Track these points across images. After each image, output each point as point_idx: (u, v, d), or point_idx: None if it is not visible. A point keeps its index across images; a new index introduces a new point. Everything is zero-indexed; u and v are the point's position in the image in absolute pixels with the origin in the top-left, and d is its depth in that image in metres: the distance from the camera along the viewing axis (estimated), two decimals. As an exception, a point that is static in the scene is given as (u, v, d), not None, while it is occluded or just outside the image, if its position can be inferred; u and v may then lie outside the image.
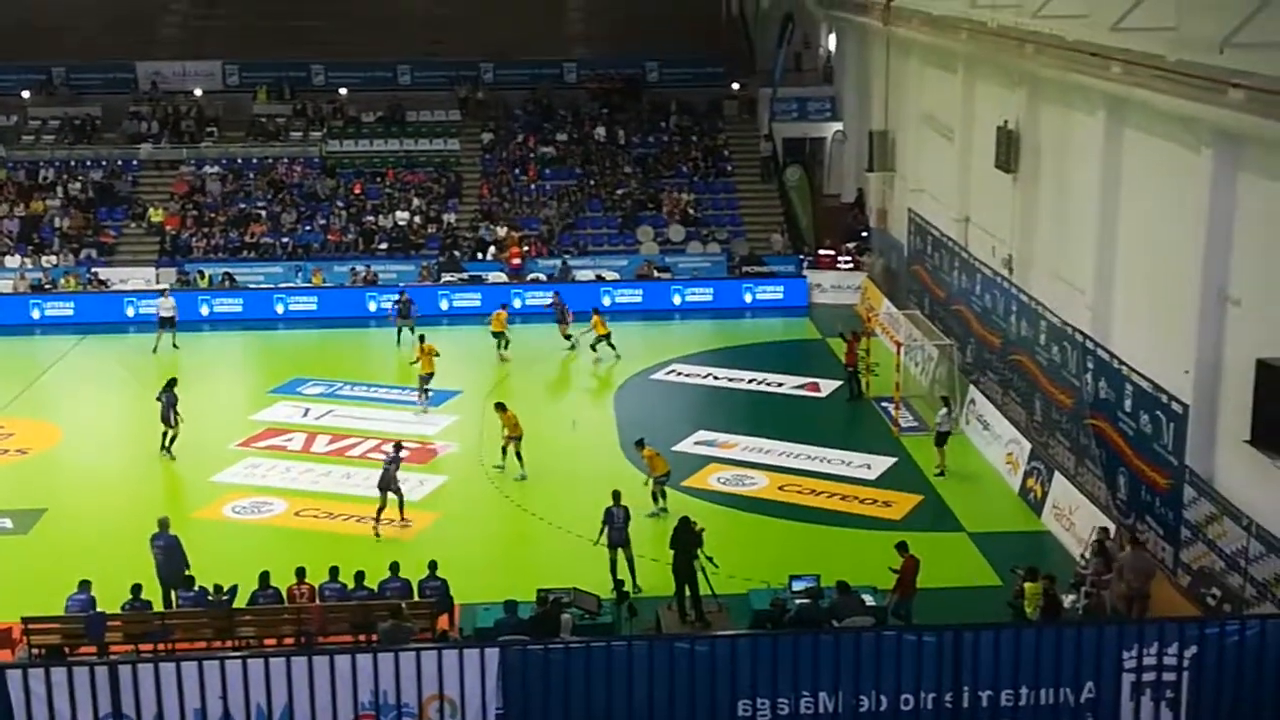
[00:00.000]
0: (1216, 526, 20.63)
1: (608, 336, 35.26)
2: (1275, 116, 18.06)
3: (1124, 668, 14.91)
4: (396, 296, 37.79)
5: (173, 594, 21.11)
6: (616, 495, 22.62)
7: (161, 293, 38.01)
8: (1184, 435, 21.48)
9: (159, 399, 28.85)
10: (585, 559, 23.47)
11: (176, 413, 28.77)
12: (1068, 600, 20.53)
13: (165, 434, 28.77)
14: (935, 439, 27.57)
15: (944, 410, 27.66)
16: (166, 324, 36.79)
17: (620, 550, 22.13)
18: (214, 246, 42.83)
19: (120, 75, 48.46)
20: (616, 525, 22.20)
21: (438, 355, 32.02)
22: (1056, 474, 25.26)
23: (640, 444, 26.01)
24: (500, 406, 27.93)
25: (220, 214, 43.96)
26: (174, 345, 36.76)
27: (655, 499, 25.46)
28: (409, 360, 33.33)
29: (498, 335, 35.62)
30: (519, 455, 27.58)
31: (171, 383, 29.39)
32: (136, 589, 20.33)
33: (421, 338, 32.33)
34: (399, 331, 36.96)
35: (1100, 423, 24.55)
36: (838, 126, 47.34)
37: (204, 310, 39.80)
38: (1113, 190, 24.86)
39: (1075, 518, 23.93)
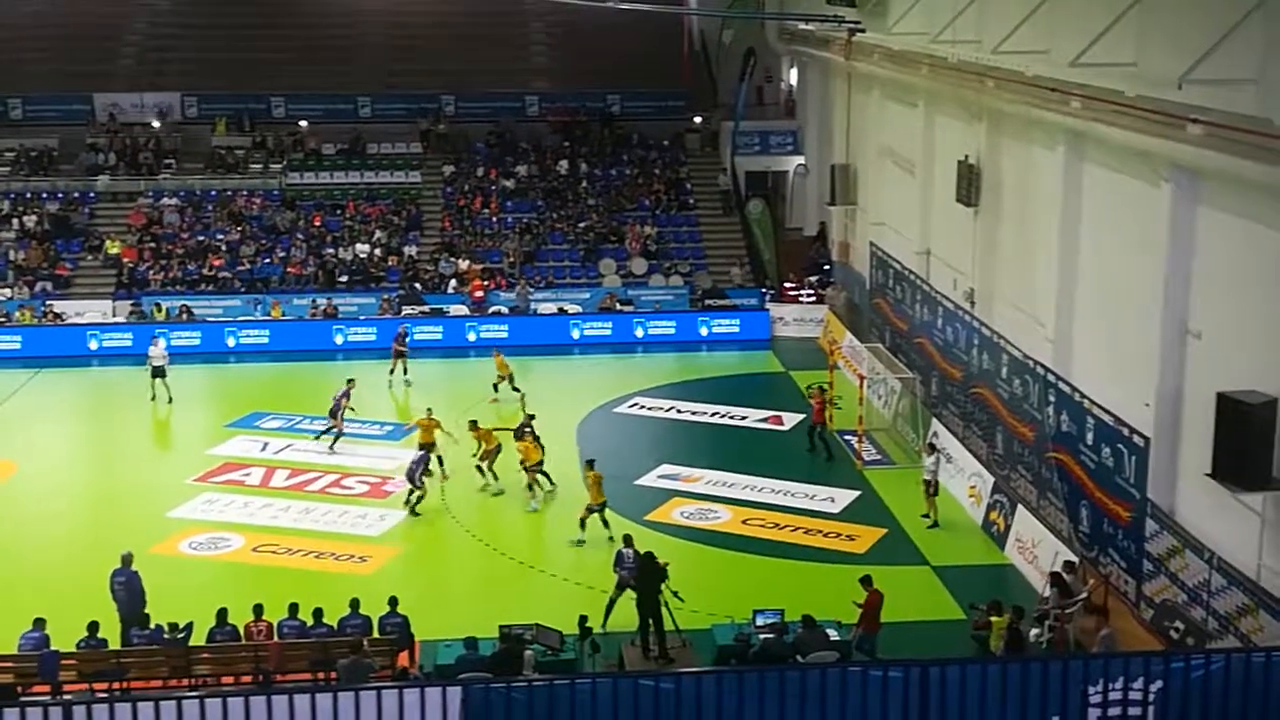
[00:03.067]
0: (1178, 559, 20.67)
1: (510, 377, 34.40)
2: (1233, 151, 18.23)
3: (1089, 702, 14.84)
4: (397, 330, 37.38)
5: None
6: (628, 539, 22.55)
7: (153, 340, 35.87)
8: (1145, 468, 21.55)
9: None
10: (548, 595, 23.32)
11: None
12: (1032, 634, 20.51)
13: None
14: (925, 488, 26.72)
15: (931, 457, 26.89)
16: (158, 373, 34.92)
17: (628, 590, 21.72)
18: (172, 279, 42.46)
19: (77, 106, 48.00)
20: (626, 565, 22.01)
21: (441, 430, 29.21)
22: (1019, 507, 25.28)
23: (590, 464, 26.12)
24: (473, 425, 28.16)
25: (178, 246, 43.62)
26: (169, 400, 34.85)
27: (581, 525, 25.51)
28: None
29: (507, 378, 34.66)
30: (492, 470, 28.06)
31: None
32: (93, 626, 19.99)
33: (429, 411, 29.71)
34: (394, 368, 36.42)
35: (1062, 456, 24.60)
36: (800, 160, 47.56)
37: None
38: (1073, 224, 25.01)
39: (1038, 550, 23.94)
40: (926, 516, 26.74)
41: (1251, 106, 17.99)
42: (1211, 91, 18.64)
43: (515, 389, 34.40)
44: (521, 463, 27.69)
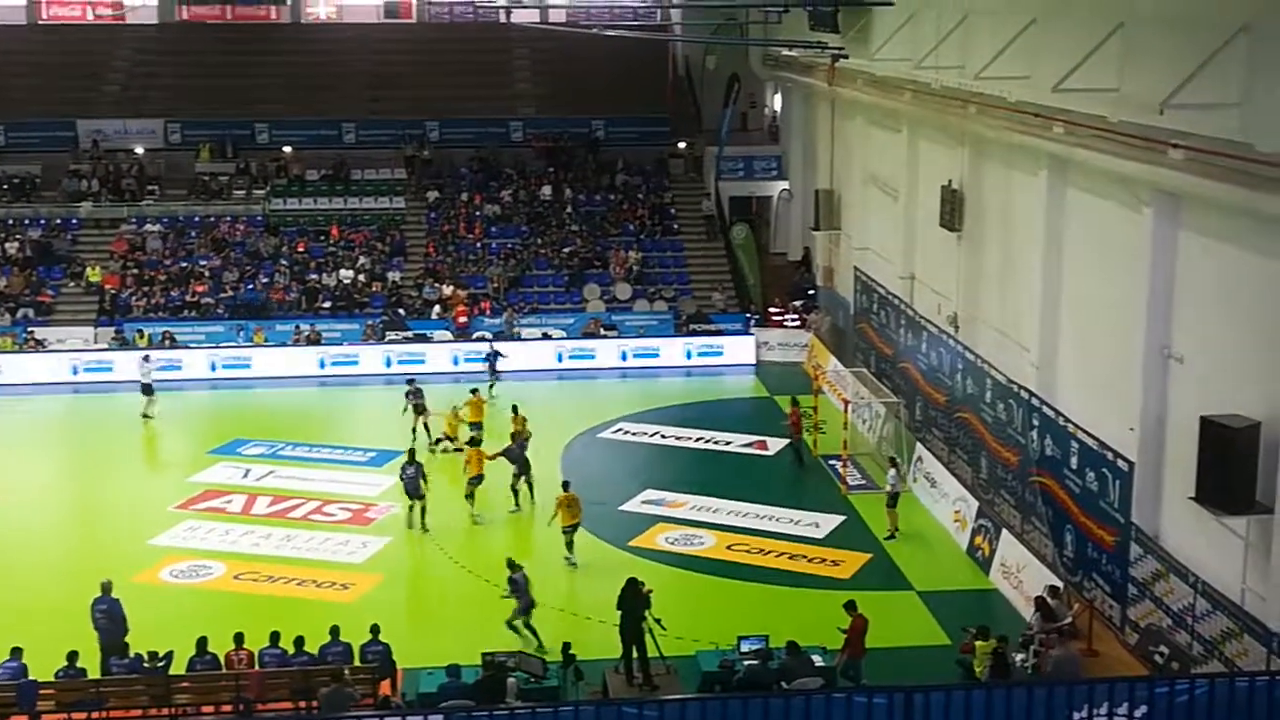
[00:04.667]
0: (1163, 584, 20.65)
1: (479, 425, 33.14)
2: (1214, 176, 18.29)
3: (1075, 728, 14.79)
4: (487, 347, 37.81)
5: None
6: (510, 563, 22.69)
7: (145, 358, 36.52)
8: (1130, 492, 21.56)
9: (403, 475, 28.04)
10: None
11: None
12: (1017, 659, 20.44)
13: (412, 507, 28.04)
14: (887, 500, 27.35)
15: (892, 471, 27.52)
16: (148, 390, 35.57)
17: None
18: (154, 305, 42.31)
19: (60, 133, 47.91)
20: (518, 587, 22.30)
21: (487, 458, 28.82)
22: (1004, 532, 25.24)
23: (565, 485, 26.29)
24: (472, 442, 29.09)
25: (161, 272, 43.48)
26: (145, 414, 35.32)
27: (569, 547, 25.85)
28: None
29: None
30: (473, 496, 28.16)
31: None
32: (73, 656, 19.85)
33: (474, 441, 30.27)
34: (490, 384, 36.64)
35: (1046, 480, 24.59)
36: (784, 185, 47.65)
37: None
38: (1056, 248, 25.05)
39: (1023, 575, 23.89)
40: (890, 537, 26.96)
41: (1233, 131, 18.05)
42: (1193, 116, 18.70)
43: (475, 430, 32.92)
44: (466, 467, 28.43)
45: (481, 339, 39.79)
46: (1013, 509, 26.22)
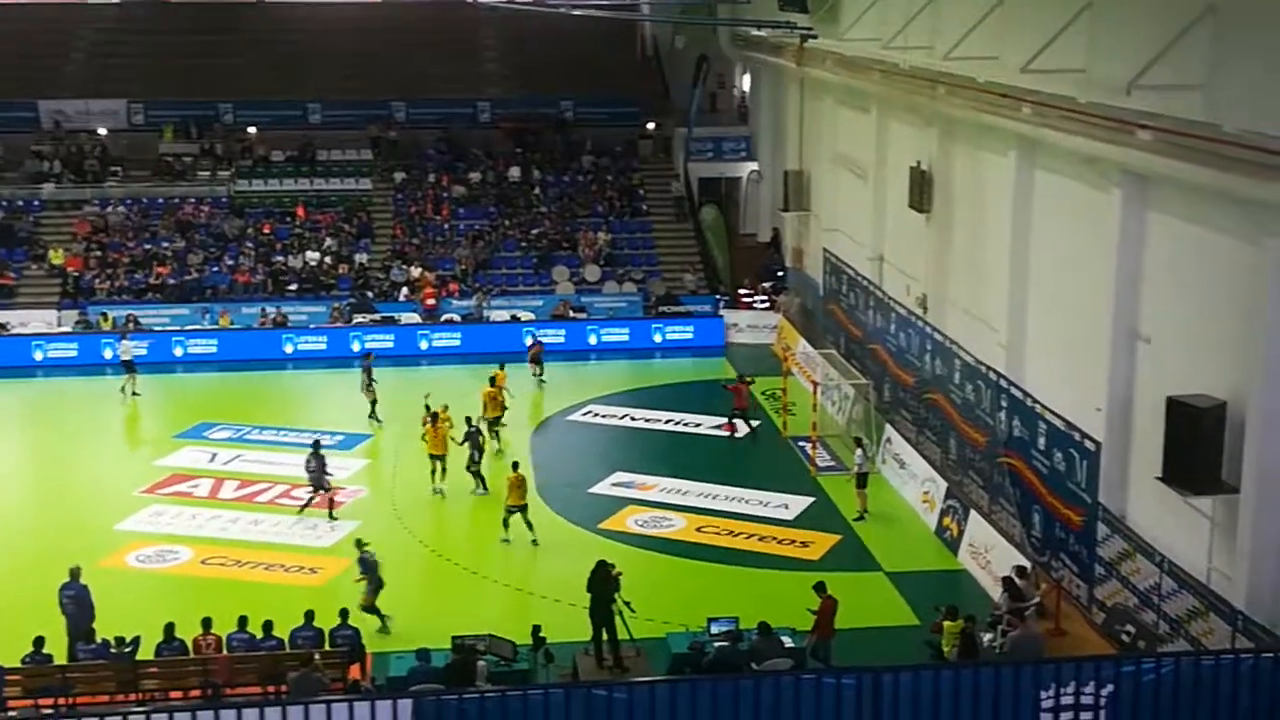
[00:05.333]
0: (1130, 563, 20.77)
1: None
2: (1181, 156, 18.35)
3: (1042, 707, 14.84)
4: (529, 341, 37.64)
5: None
6: (358, 542, 22.89)
7: (121, 335, 37.06)
8: (1097, 473, 21.66)
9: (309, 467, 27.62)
10: (501, 605, 23.17)
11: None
12: (985, 639, 20.53)
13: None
14: (856, 481, 27.39)
15: (859, 452, 27.55)
16: (129, 367, 35.82)
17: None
18: (118, 288, 41.96)
19: (21, 114, 47.33)
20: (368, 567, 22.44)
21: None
22: (972, 512, 25.34)
23: (515, 465, 26.44)
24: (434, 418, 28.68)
25: (124, 255, 43.11)
26: (134, 392, 35.58)
27: (507, 524, 25.82)
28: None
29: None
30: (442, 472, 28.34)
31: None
32: (39, 641, 19.67)
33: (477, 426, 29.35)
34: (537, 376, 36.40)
35: (1014, 461, 24.68)
36: (753, 166, 47.61)
37: (106, 354, 38.84)
38: (1024, 229, 25.11)
39: (991, 556, 24.00)
40: (859, 518, 27.04)
41: (1199, 112, 18.10)
42: (1160, 97, 18.76)
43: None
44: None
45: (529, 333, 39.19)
46: (981, 489, 26.32)
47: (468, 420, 28.91)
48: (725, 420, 32.60)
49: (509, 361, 35.08)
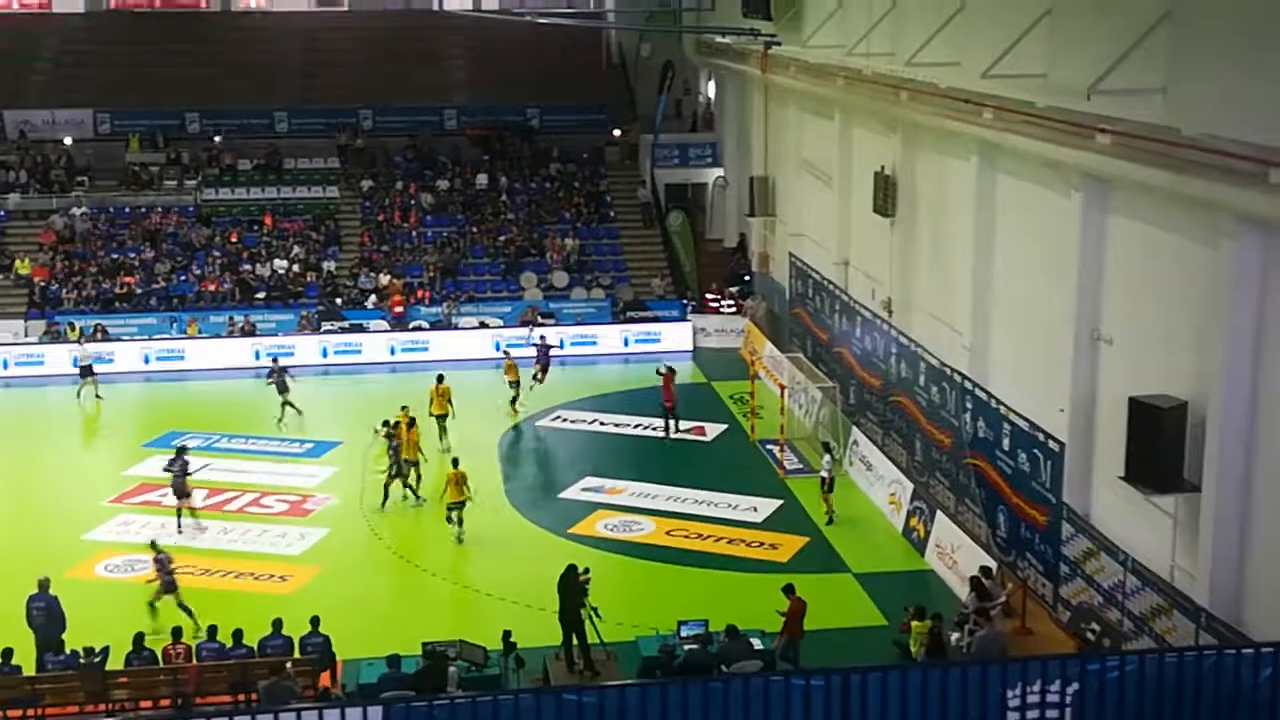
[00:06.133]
0: (1094, 562, 20.99)
1: (515, 383, 34.57)
2: (1140, 160, 18.58)
3: (1008, 705, 14.93)
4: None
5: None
6: (152, 543, 23.45)
7: (79, 340, 37.30)
8: (1061, 473, 21.88)
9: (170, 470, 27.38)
10: (471, 610, 23.21)
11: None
12: (953, 638, 20.72)
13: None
14: (824, 487, 27.42)
15: (826, 458, 27.66)
16: (87, 372, 35.94)
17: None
18: (85, 298, 41.78)
19: (-13, 124, 47.20)
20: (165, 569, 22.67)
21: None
22: (939, 513, 25.54)
23: (455, 463, 26.77)
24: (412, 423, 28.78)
25: (91, 264, 42.93)
26: (96, 395, 35.79)
27: (450, 520, 26.36)
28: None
29: (514, 384, 34.64)
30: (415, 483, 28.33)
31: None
32: (7, 653, 19.60)
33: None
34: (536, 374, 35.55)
35: (979, 462, 24.90)
36: (719, 172, 47.78)
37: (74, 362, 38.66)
38: (987, 233, 25.35)
39: (958, 556, 24.19)
40: (830, 522, 27.11)
41: (1159, 116, 18.35)
42: (1120, 102, 18.98)
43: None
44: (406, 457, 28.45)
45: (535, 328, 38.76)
46: (947, 491, 26.53)
47: (385, 423, 28.79)
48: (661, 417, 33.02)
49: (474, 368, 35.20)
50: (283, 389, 33.74)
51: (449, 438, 31.22)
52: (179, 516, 27.09)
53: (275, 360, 35.13)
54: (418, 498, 28.31)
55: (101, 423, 35.23)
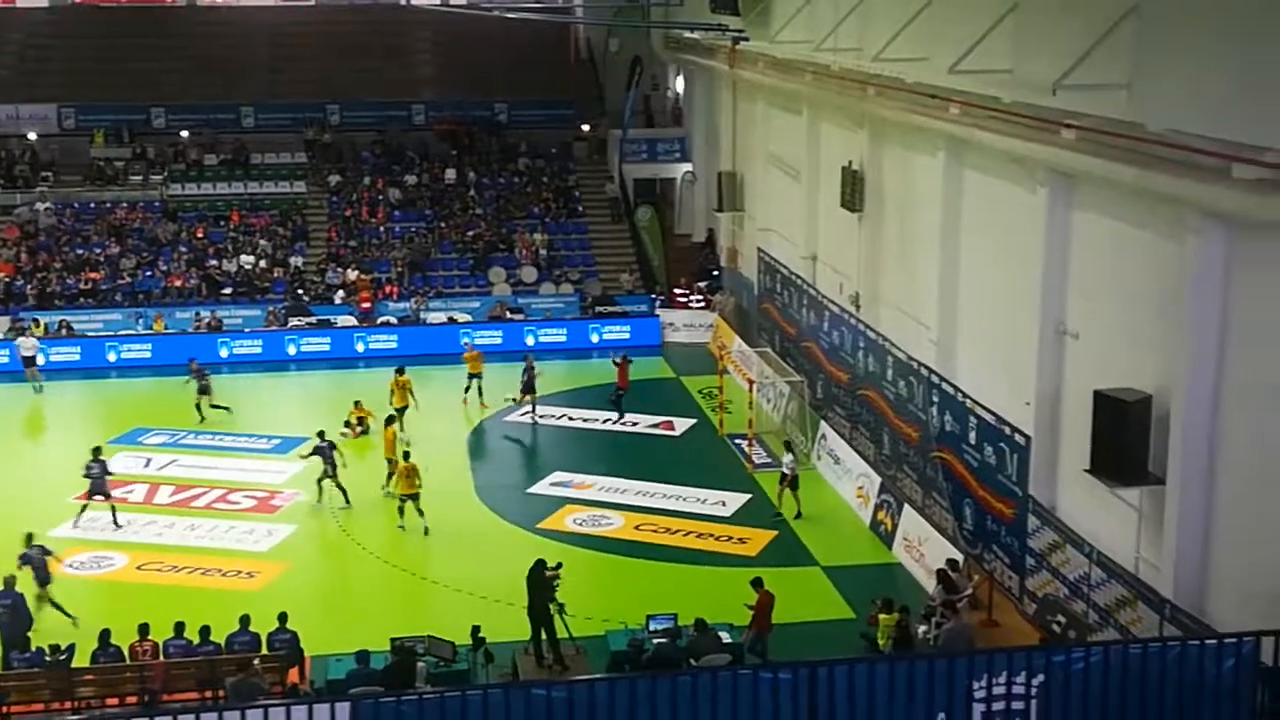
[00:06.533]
0: (1060, 554, 21.12)
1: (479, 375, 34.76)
2: (1105, 155, 18.68)
3: (974, 697, 15.02)
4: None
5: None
6: (27, 538, 23.19)
7: (21, 331, 37.29)
8: (1027, 466, 22.00)
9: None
10: (440, 606, 23.17)
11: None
12: (920, 631, 20.81)
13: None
14: (788, 482, 27.32)
15: (789, 456, 27.61)
16: (29, 363, 35.99)
17: None
18: (50, 293, 41.48)
19: (-51, 119, 46.79)
20: (35, 568, 22.45)
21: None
22: (906, 506, 25.65)
23: (406, 455, 26.87)
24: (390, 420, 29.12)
25: (55, 259, 42.61)
26: (36, 388, 35.91)
27: (402, 513, 26.45)
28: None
29: (475, 376, 34.74)
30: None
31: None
32: (-29, 651, 19.50)
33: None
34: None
35: (946, 455, 25.02)
36: (687, 168, 47.82)
37: (39, 359, 38.34)
38: (954, 228, 25.45)
39: (925, 549, 24.30)
40: (799, 516, 27.09)
41: (1123, 111, 18.44)
42: (1085, 97, 19.07)
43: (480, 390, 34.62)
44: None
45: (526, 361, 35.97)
46: (914, 484, 26.65)
47: (320, 434, 28.44)
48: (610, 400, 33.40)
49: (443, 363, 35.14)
50: (204, 390, 33.68)
51: (406, 430, 31.14)
52: (113, 512, 26.93)
53: (193, 361, 34.82)
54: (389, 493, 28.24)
55: (65, 419, 34.96)
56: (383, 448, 28.60)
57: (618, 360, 33.82)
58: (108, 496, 27.00)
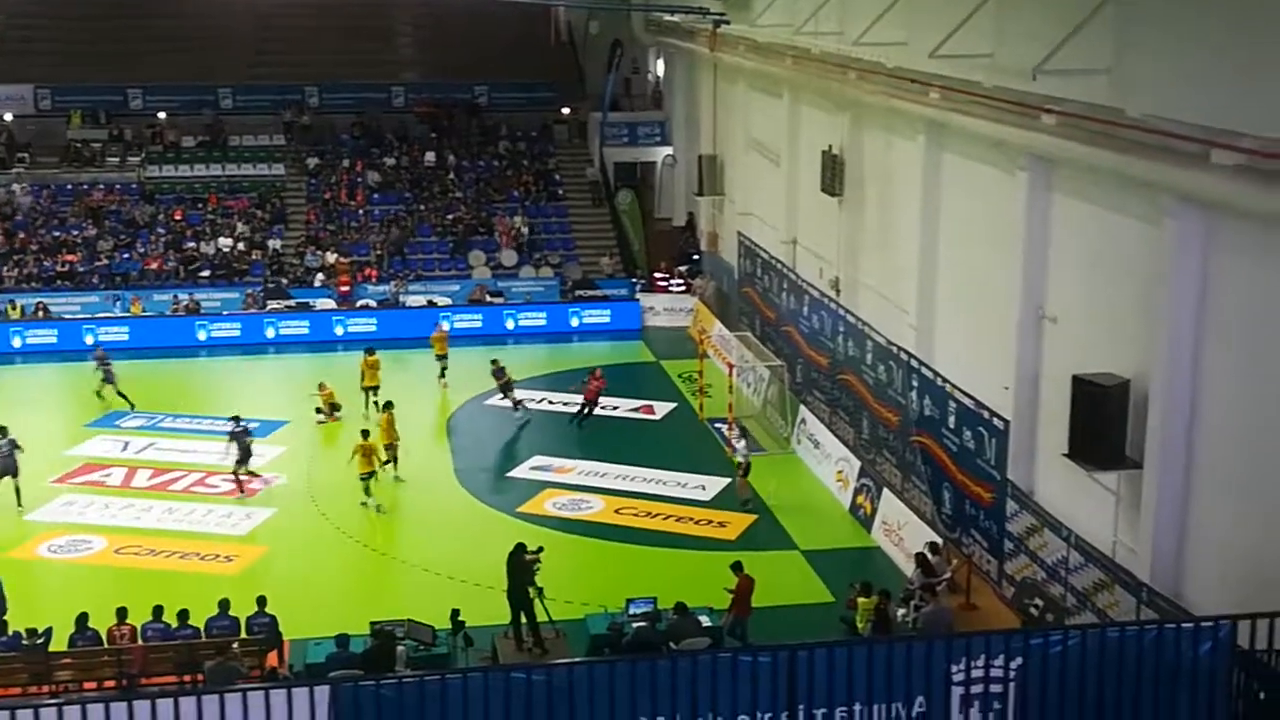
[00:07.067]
0: (1038, 538, 21.20)
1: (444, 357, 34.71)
2: (1085, 140, 18.69)
3: (953, 681, 15.06)
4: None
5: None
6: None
7: None
8: (1005, 450, 22.06)
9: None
10: (420, 589, 23.15)
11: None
12: (898, 614, 20.88)
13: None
14: (740, 471, 27.20)
15: (742, 443, 27.62)
16: None
17: None
18: (26, 276, 41.23)
19: (-76, 100, 46.43)
20: None
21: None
22: (885, 490, 25.72)
23: (364, 434, 27.17)
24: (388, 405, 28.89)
25: (32, 241, 42.35)
26: None
27: (365, 492, 26.87)
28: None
29: (441, 358, 34.80)
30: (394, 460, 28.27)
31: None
32: (-52, 635, 19.41)
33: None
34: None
35: (925, 439, 25.08)
36: (668, 151, 47.75)
37: (16, 342, 38.23)
38: (933, 212, 25.46)
39: (904, 533, 24.38)
40: (746, 503, 26.94)
41: (1103, 96, 18.46)
42: (1065, 82, 19.07)
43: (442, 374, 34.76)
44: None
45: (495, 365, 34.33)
46: (894, 468, 26.71)
47: (235, 420, 28.31)
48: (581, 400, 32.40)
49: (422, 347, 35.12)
50: (108, 378, 33.46)
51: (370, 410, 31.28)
52: (17, 493, 26.81)
53: (98, 348, 34.69)
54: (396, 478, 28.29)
55: (42, 402, 34.80)
56: (377, 434, 28.18)
57: (584, 382, 32.40)
58: (15, 475, 26.77)
